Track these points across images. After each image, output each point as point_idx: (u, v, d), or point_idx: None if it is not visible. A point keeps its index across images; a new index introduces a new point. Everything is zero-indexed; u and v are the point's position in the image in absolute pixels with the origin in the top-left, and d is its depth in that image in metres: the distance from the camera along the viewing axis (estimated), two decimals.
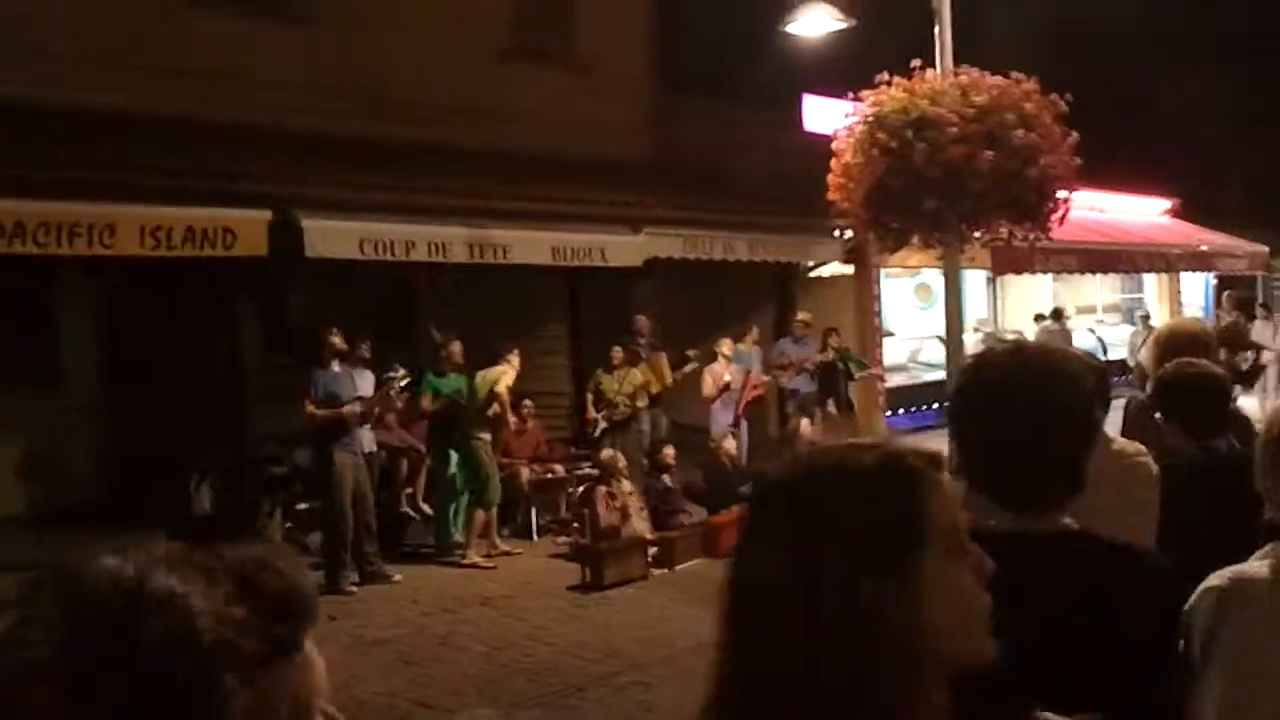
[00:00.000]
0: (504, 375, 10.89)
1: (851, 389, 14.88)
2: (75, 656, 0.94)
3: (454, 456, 10.82)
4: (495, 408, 10.81)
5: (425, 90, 13.36)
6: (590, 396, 12.68)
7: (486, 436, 10.77)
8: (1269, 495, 2.23)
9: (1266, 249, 22.80)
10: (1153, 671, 2.01)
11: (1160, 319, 21.21)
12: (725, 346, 13.34)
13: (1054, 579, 1.99)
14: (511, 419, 11.34)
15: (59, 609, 0.97)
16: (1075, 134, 9.08)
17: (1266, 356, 17.49)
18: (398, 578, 9.91)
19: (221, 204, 9.77)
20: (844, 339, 14.96)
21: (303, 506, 10.79)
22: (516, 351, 11.16)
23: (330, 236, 10.34)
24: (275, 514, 10.77)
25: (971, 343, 18.01)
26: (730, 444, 12.37)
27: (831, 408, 14.53)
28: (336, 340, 10.11)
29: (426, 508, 11.43)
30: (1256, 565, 2.20)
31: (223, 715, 0.96)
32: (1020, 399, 2.00)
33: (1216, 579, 2.22)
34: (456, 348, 10.81)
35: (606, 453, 11.06)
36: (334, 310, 12.44)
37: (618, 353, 12.62)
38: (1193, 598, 2.20)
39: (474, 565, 10.29)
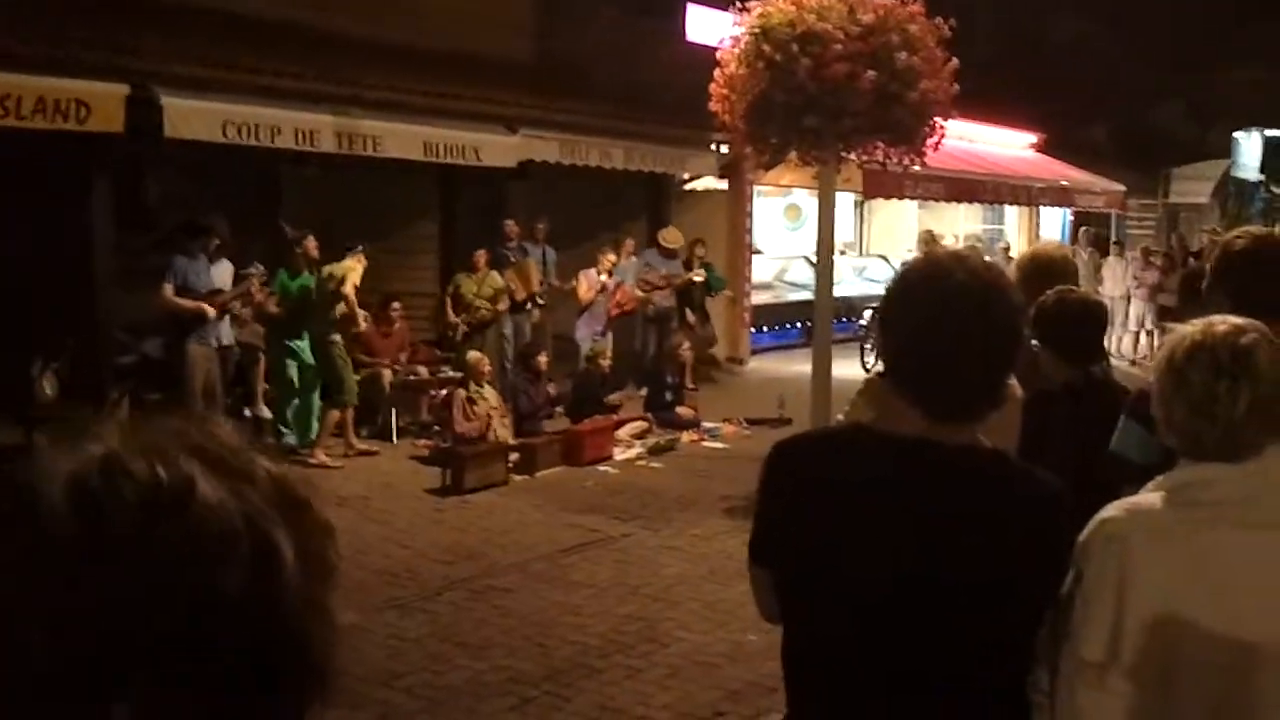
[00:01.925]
0: (349, 273, 10.55)
1: (712, 305, 14.98)
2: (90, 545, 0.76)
3: (294, 358, 10.47)
4: (341, 307, 10.50)
5: None
6: (448, 300, 12.46)
7: (337, 337, 10.48)
8: (1165, 422, 2.24)
9: (1123, 188, 23.48)
10: (1036, 593, 2.02)
11: (1019, 251, 21.75)
12: (607, 259, 13.25)
13: (955, 491, 1.98)
14: (362, 317, 10.97)
15: (92, 513, 0.77)
16: (955, 60, 9.13)
17: (1108, 290, 18.13)
18: None
19: (76, 75, 9.25)
20: (709, 253, 14.96)
21: (153, 397, 10.41)
22: (362, 248, 10.85)
23: (191, 117, 9.89)
24: (123, 404, 10.38)
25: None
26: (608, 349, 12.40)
27: (690, 318, 14.58)
28: (222, 232, 9.81)
29: (264, 411, 11.03)
30: (1151, 497, 2.21)
31: (330, 579, 0.85)
32: (958, 311, 1.97)
33: (1113, 510, 2.22)
34: (311, 244, 10.46)
35: (473, 355, 10.91)
36: (193, 195, 11.99)
37: (480, 255, 12.45)
38: (1087, 529, 2.21)
39: (321, 465, 10.04)
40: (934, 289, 2.00)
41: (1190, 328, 2.24)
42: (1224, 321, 2.22)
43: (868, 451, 2.06)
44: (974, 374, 1.99)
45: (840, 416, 3.85)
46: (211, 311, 9.73)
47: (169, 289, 9.52)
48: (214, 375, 9.77)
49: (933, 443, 1.99)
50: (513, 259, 12.84)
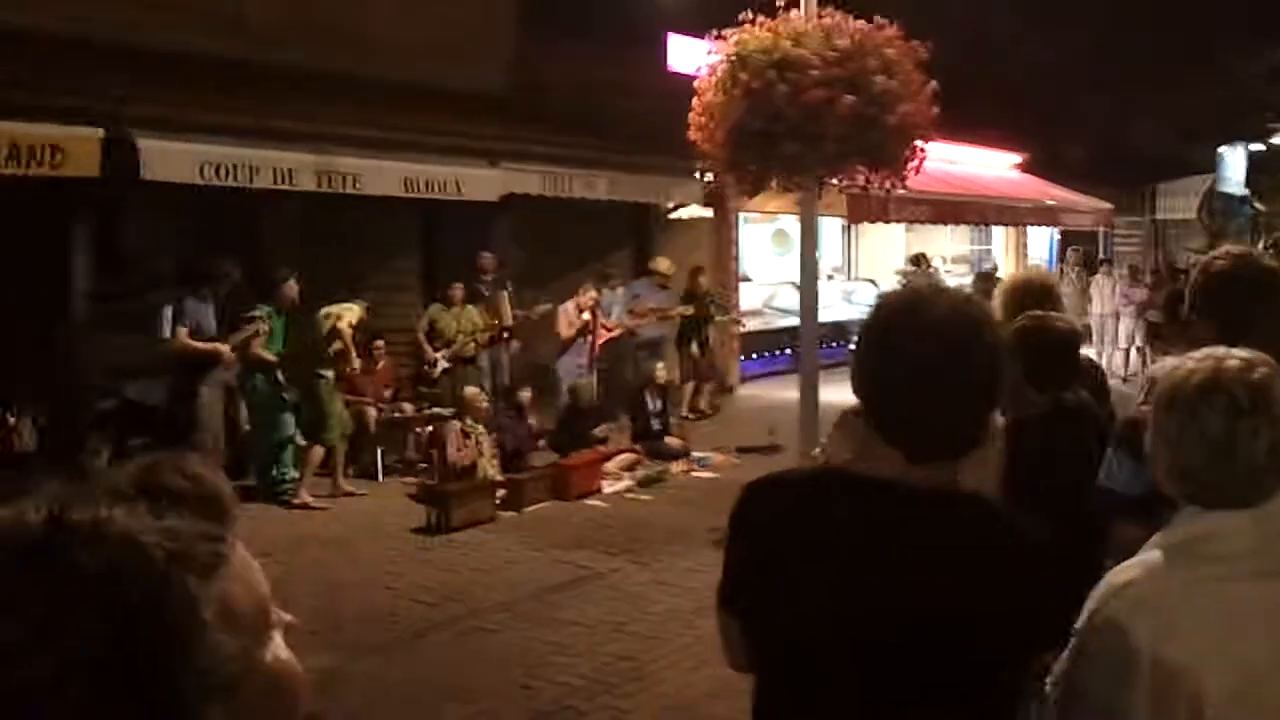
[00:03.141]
0: (348, 312, 10.54)
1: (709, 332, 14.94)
2: (12, 621, 0.79)
3: (281, 400, 10.34)
4: (337, 344, 10.45)
5: (278, 9, 12.73)
6: (422, 335, 12.34)
7: (328, 374, 10.41)
8: (1170, 466, 2.09)
9: (1110, 206, 23.51)
10: (1016, 637, 1.92)
11: (1006, 272, 21.72)
12: (588, 295, 13.13)
13: (931, 535, 1.89)
14: (355, 359, 10.96)
15: None
16: (934, 83, 9.08)
17: (1097, 308, 18.14)
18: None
19: (49, 120, 9.18)
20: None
21: (135, 443, 10.29)
22: (363, 302, 10.96)
23: (168, 158, 9.82)
24: (103, 451, 10.26)
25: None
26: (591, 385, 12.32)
27: (695, 349, 14.53)
28: (234, 275, 9.85)
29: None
30: (1159, 555, 2.07)
31: (201, 630, 0.84)
32: (936, 349, 1.87)
33: (1130, 572, 2.08)
34: (293, 288, 10.38)
35: (470, 390, 10.82)
36: (172, 237, 11.90)
37: (457, 289, 12.37)
38: (1104, 591, 2.08)
39: (304, 505, 9.91)
40: (911, 324, 1.90)
41: (1193, 363, 2.09)
42: (1229, 355, 2.07)
43: (842, 494, 1.96)
44: (954, 414, 1.90)
45: (816, 451, 3.74)
46: (229, 355, 9.73)
47: (184, 332, 9.49)
48: (218, 415, 9.72)
49: (909, 485, 1.90)
50: (486, 293, 12.76)
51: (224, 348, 9.74)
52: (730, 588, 2.11)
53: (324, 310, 10.75)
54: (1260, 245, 5.13)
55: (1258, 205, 7.59)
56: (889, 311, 1.96)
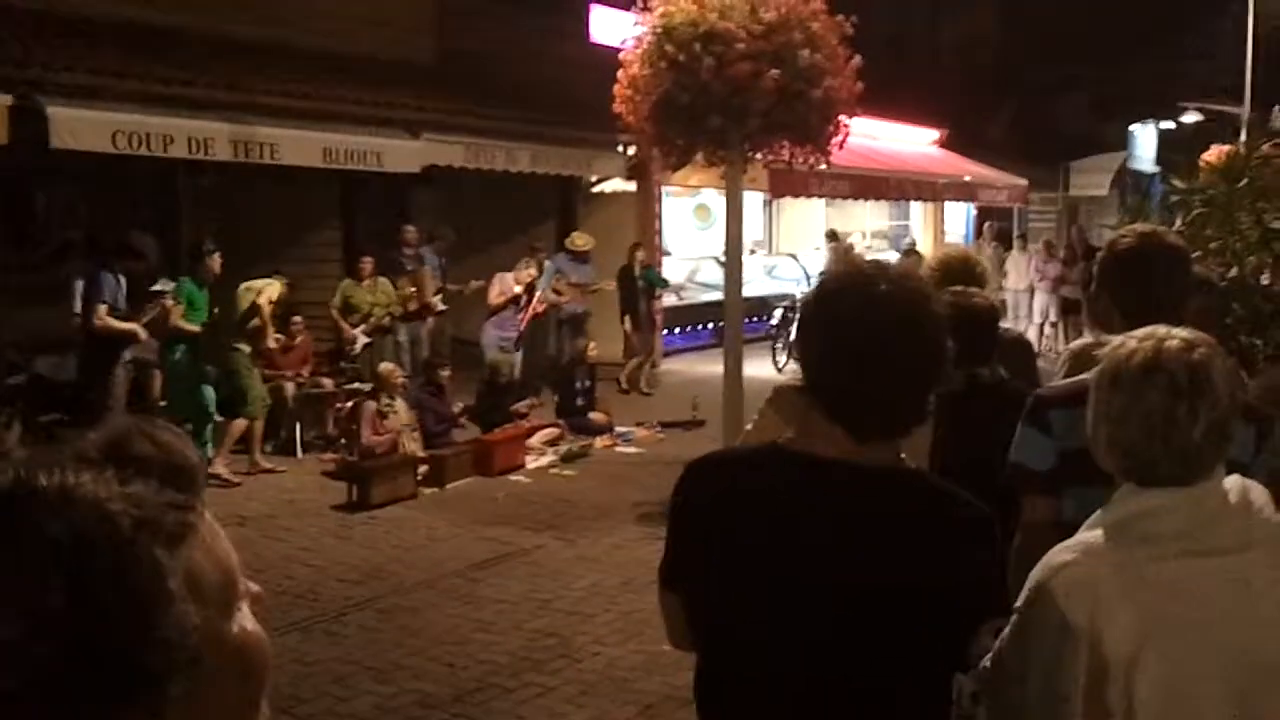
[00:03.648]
0: (268, 288, 10.35)
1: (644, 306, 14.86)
2: None
3: (201, 372, 10.14)
4: (256, 320, 10.27)
5: None
6: (335, 312, 12.16)
7: (245, 348, 10.23)
8: (1108, 442, 2.10)
9: (1025, 182, 23.83)
10: (960, 609, 1.93)
11: (925, 246, 21.96)
12: (527, 272, 13.06)
13: (877, 513, 1.89)
14: (274, 336, 10.77)
15: None
16: (858, 58, 9.12)
17: (1012, 284, 18.45)
18: None
19: None
20: (620, 254, 14.86)
21: (44, 419, 10.03)
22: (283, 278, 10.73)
23: (79, 126, 9.55)
24: (14, 425, 9.99)
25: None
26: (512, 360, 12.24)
27: (628, 324, 14.45)
28: (151, 254, 9.57)
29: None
30: (1098, 535, 2.07)
31: (167, 600, 0.82)
32: (881, 326, 1.86)
33: (1068, 553, 2.09)
34: (216, 261, 10.15)
35: (385, 366, 10.71)
36: (85, 206, 11.61)
37: (366, 263, 12.21)
38: (1041, 572, 2.09)
39: (221, 479, 9.74)
40: (855, 302, 1.89)
41: (1134, 342, 2.10)
42: (1170, 334, 2.08)
43: (787, 473, 1.95)
44: (898, 393, 1.90)
45: (748, 426, 3.74)
46: (143, 333, 9.52)
47: (103, 309, 9.22)
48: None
49: (854, 464, 1.89)
50: (409, 267, 12.60)
51: (138, 328, 9.51)
52: (672, 567, 2.09)
53: (244, 285, 10.56)
54: (1178, 223, 5.22)
55: (1176, 183, 7.69)
56: (833, 290, 1.95)
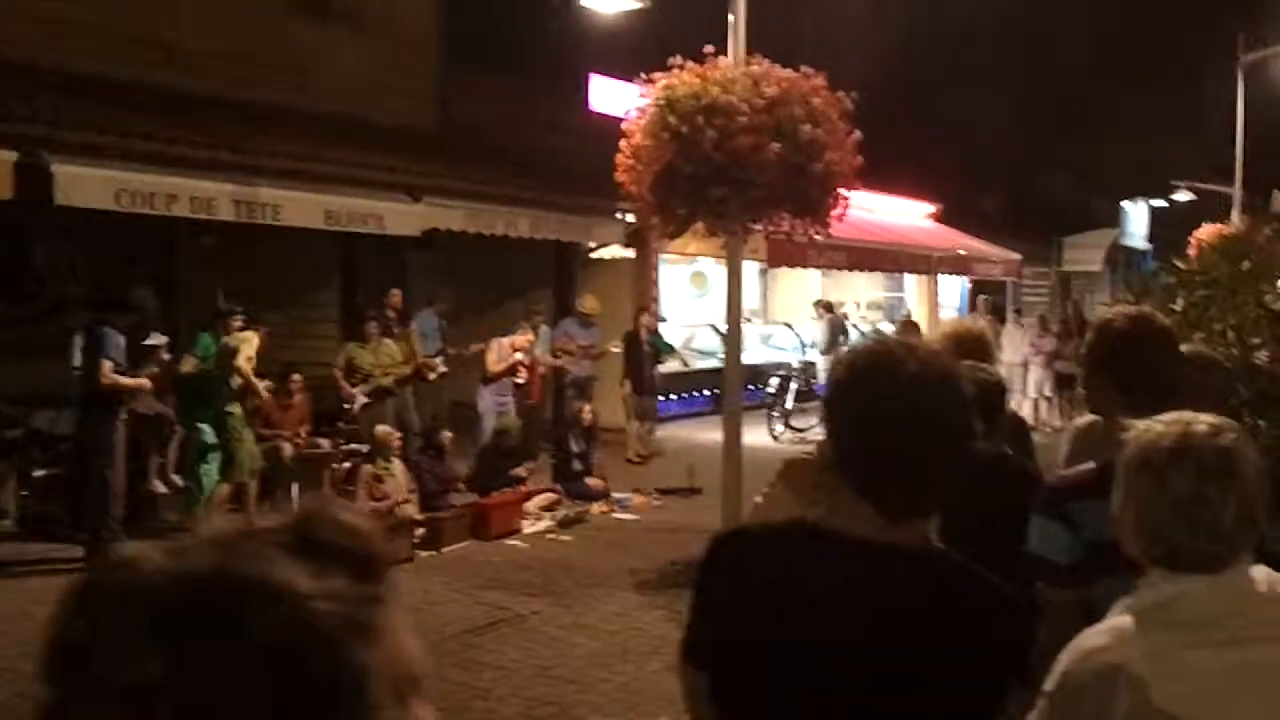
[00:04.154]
0: (245, 345, 10.25)
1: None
2: (177, 679, 0.75)
3: (214, 428, 10.15)
4: (237, 380, 10.23)
5: (203, 37, 12.56)
6: (338, 373, 12.17)
7: (236, 409, 10.18)
8: (1136, 527, 2.11)
9: (1019, 257, 24.04)
10: (983, 709, 1.92)
11: (920, 318, 22.08)
12: (525, 338, 13.01)
13: (915, 599, 1.89)
14: (263, 389, 10.68)
15: (132, 623, 0.77)
16: (859, 132, 9.24)
17: (1007, 357, 18.49)
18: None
19: None
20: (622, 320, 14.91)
21: (40, 473, 10.00)
22: (258, 329, 10.63)
23: (83, 184, 9.60)
24: (9, 480, 9.96)
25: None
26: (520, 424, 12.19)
27: (627, 388, 14.40)
28: (150, 308, 9.56)
29: (178, 480, 10.72)
30: (1128, 621, 2.06)
31: (370, 708, 0.80)
32: (912, 406, 1.87)
33: (1099, 638, 2.08)
34: (236, 323, 10.20)
35: (381, 429, 10.68)
36: (85, 263, 11.65)
37: (373, 325, 12.22)
38: (1072, 658, 2.09)
39: None
40: (885, 381, 1.90)
41: (1161, 426, 2.11)
42: (1197, 419, 2.10)
43: (819, 553, 1.95)
44: (929, 472, 1.90)
45: (758, 499, 3.72)
46: (148, 386, 9.49)
47: (108, 366, 9.15)
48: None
49: (890, 545, 1.90)
50: (395, 330, 12.61)
51: (146, 384, 9.48)
52: (696, 642, 2.08)
53: (223, 340, 10.49)
54: (1179, 303, 5.24)
55: (1178, 264, 7.76)
56: (862, 367, 1.96)
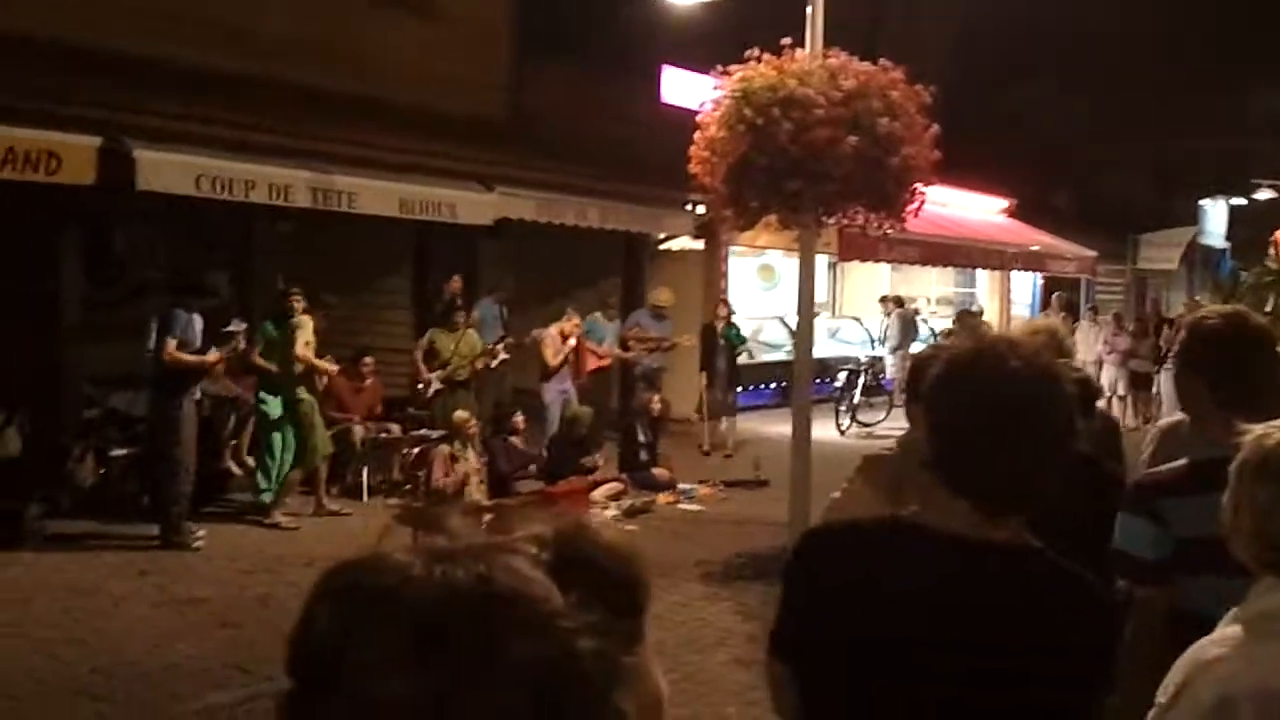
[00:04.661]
0: (301, 330, 10.31)
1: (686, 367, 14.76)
2: (432, 696, 0.71)
3: (278, 410, 10.24)
4: (299, 366, 10.33)
5: (282, 25, 12.71)
6: (419, 355, 12.29)
7: (307, 395, 10.28)
8: (1253, 532, 2.07)
9: (1094, 254, 23.69)
10: (1074, 704, 1.90)
11: (991, 315, 21.86)
12: (571, 319, 12.96)
13: (1008, 596, 1.87)
14: (329, 368, 10.73)
15: (395, 632, 0.74)
16: (936, 126, 9.15)
17: (1081, 355, 18.21)
18: (201, 532, 9.37)
19: (47, 126, 9.14)
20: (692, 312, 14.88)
21: (118, 453, 10.21)
22: (314, 312, 10.62)
23: (164, 169, 9.80)
24: (88, 459, 10.18)
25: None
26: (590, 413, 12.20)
27: (704, 381, 14.35)
28: (224, 293, 9.64)
29: (250, 461, 10.88)
30: (1237, 631, 2.03)
31: None
32: (1013, 404, 1.85)
33: (1216, 648, 2.04)
34: (298, 304, 10.28)
35: (460, 414, 10.77)
36: (164, 248, 11.85)
37: (461, 315, 12.31)
38: (1187, 666, 2.05)
39: (275, 526, 9.82)
40: (985, 377, 1.88)
41: (1278, 433, 2.08)
42: None
43: (912, 549, 1.93)
44: (1027, 471, 1.88)
45: (835, 494, 3.70)
46: (211, 363, 9.59)
47: (172, 344, 9.28)
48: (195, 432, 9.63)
49: (985, 542, 1.88)
50: (456, 318, 12.64)
51: (211, 358, 9.57)
52: (784, 637, 2.07)
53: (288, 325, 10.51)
54: (1270, 306, 5.17)
55: (1270, 264, 7.64)
56: (963, 364, 1.94)
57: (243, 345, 10.07)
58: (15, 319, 10.04)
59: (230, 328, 10.10)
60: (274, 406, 10.13)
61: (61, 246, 10.34)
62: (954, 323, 17.73)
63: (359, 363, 11.63)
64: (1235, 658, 1.98)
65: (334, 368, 10.75)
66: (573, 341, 12.86)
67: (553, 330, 12.89)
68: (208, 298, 10.23)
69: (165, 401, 9.44)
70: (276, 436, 10.08)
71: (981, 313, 20.93)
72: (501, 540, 0.80)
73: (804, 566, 2.05)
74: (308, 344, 10.31)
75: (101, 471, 10.21)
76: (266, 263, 12.39)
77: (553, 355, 12.79)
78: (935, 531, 1.91)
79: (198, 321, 9.63)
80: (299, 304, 10.23)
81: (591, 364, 13.41)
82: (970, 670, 1.84)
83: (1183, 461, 2.87)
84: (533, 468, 11.32)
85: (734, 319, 14.93)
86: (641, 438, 12.25)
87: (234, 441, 11.18)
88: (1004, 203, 24.06)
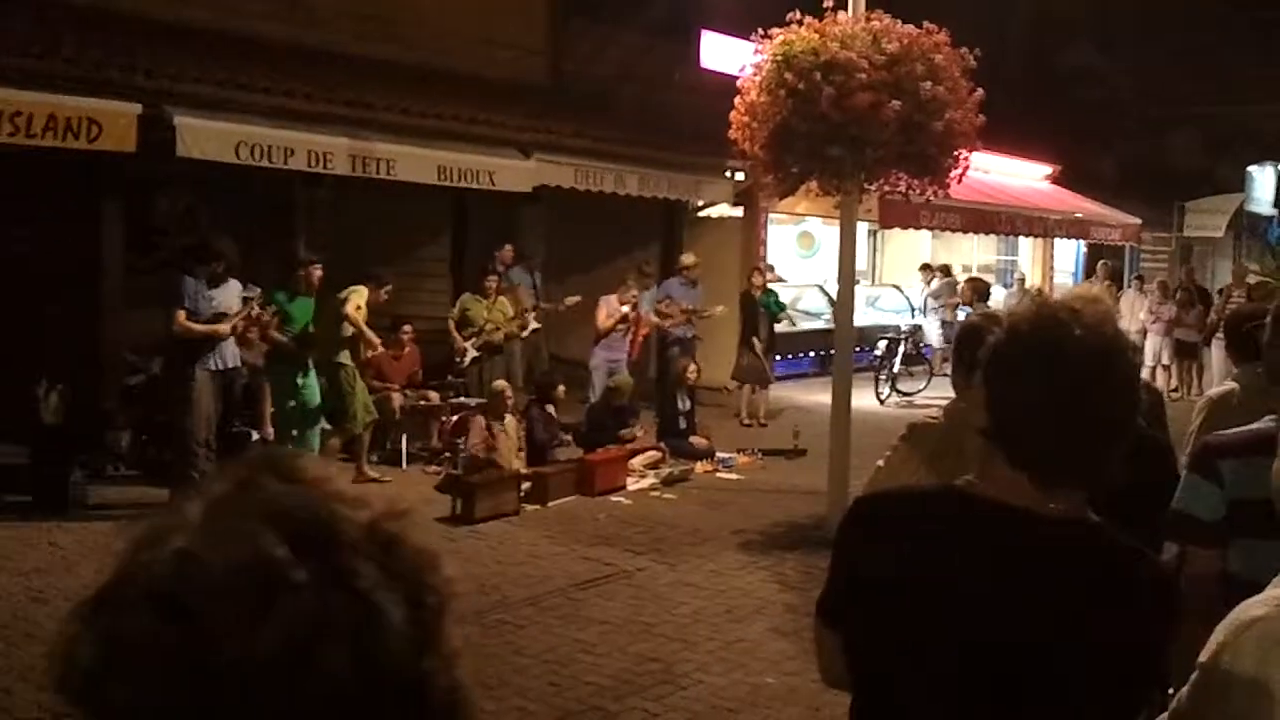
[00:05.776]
0: (355, 295, 10.28)
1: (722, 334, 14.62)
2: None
3: (297, 384, 10.16)
4: (348, 329, 10.29)
5: None
6: (452, 324, 12.27)
7: (348, 361, 10.26)
8: None
9: (1139, 221, 23.34)
10: (1141, 676, 1.85)
11: (1034, 282, 21.59)
12: (630, 293, 12.78)
13: (1065, 569, 1.82)
14: (375, 340, 10.75)
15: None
16: (981, 90, 9.01)
17: (1125, 324, 17.93)
18: None
19: (88, 93, 9.17)
20: (727, 279, 14.76)
21: (160, 419, 10.26)
22: (373, 280, 10.63)
23: (204, 137, 9.82)
24: (128, 426, 10.24)
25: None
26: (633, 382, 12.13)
27: (756, 347, 14.18)
28: (230, 255, 9.50)
29: (270, 432, 10.75)
30: None
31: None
32: (1077, 373, 1.78)
33: (1262, 608, 2.00)
34: (316, 273, 10.15)
35: (499, 383, 10.75)
36: (204, 215, 11.89)
37: (492, 280, 12.28)
38: (1232, 626, 2.00)
39: None
40: (1049, 347, 1.80)
41: None
42: None
43: (968, 519, 1.87)
44: (1090, 443, 1.81)
45: (880, 462, 3.64)
46: (226, 331, 9.42)
47: (181, 314, 9.21)
48: (215, 400, 9.49)
49: (1042, 514, 1.82)
50: (504, 285, 12.64)
51: (224, 328, 9.32)
52: (834, 603, 2.02)
53: (337, 296, 10.52)
54: None
55: None
56: (1025, 334, 1.86)
57: (256, 309, 9.85)
58: (57, 287, 10.10)
59: (245, 294, 9.97)
60: (306, 386, 10.08)
61: (102, 214, 10.35)
62: (961, 290, 17.34)
63: (397, 330, 11.63)
64: (1278, 617, 1.93)
65: (378, 340, 10.74)
66: (627, 309, 12.71)
67: (611, 297, 12.77)
68: (212, 261, 9.94)
69: (176, 370, 9.38)
70: (304, 402, 10.02)
71: (1024, 280, 20.68)
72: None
73: (857, 533, 2.00)
74: (358, 308, 10.27)
75: (143, 438, 10.27)
76: (305, 229, 12.41)
77: (604, 318, 12.68)
78: (993, 503, 1.85)
79: (223, 287, 9.50)
80: (315, 270, 10.15)
81: (641, 334, 13.28)
82: (1026, 645, 1.79)
83: (1261, 424, 2.83)
84: (569, 436, 11.29)
85: (770, 286, 14.78)
86: (680, 406, 12.19)
87: (248, 412, 11.02)
88: (1048, 169, 23.73)
